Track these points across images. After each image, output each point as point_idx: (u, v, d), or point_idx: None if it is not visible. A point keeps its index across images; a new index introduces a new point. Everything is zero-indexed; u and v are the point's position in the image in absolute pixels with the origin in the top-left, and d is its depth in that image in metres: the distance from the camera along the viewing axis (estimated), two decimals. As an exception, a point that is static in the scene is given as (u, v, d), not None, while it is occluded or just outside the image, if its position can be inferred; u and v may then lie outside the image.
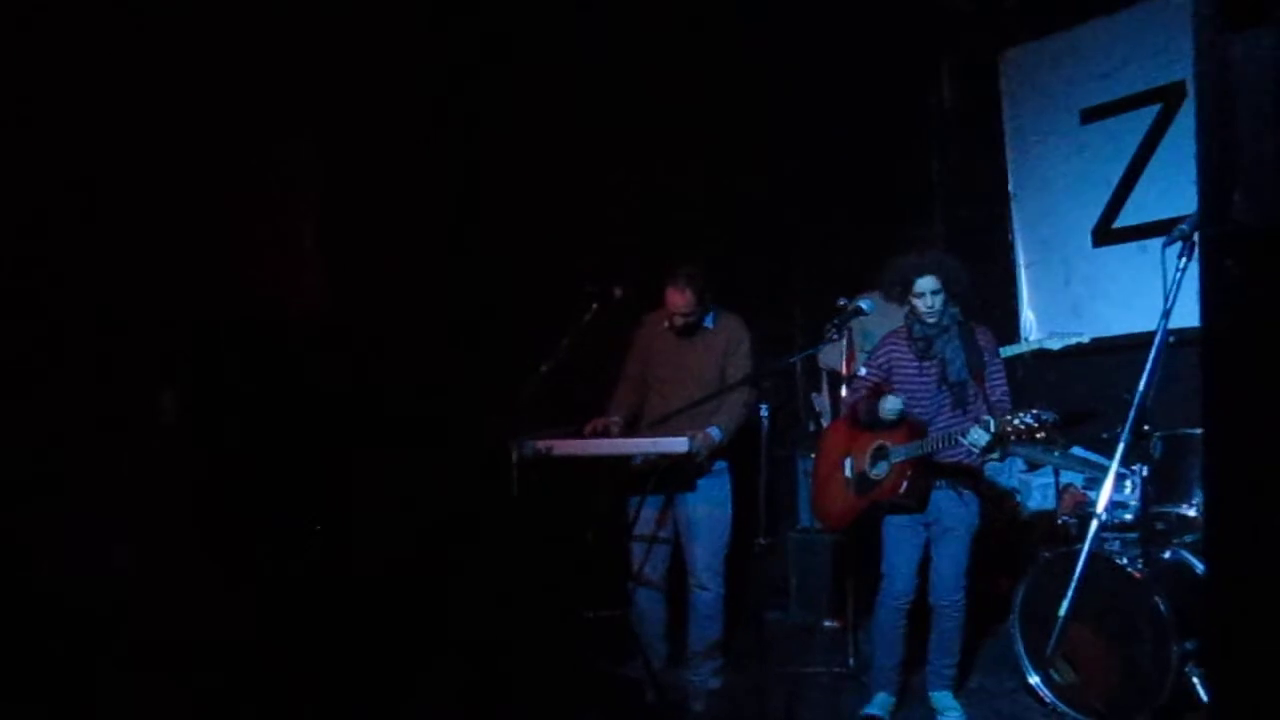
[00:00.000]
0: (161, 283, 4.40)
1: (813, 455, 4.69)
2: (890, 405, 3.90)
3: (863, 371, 4.17)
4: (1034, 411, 3.50)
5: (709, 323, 4.46)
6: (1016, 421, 3.52)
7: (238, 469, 4.38)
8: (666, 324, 4.46)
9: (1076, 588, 2.91)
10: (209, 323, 4.55)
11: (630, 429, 4.46)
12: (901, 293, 3.94)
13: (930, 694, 4.11)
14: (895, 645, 4.05)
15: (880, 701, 4.08)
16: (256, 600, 4.16)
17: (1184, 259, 2.82)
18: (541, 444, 4.10)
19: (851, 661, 4.66)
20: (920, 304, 3.89)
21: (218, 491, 4.31)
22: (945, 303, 3.88)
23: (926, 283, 3.85)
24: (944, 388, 3.93)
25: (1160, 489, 4.12)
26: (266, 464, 4.46)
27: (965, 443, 3.71)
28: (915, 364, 3.98)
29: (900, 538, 4.00)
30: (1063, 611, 2.94)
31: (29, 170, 4.00)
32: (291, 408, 4.65)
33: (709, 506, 4.37)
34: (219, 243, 4.67)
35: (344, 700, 3.93)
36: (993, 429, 3.60)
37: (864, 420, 4.03)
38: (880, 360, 4.08)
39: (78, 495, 3.90)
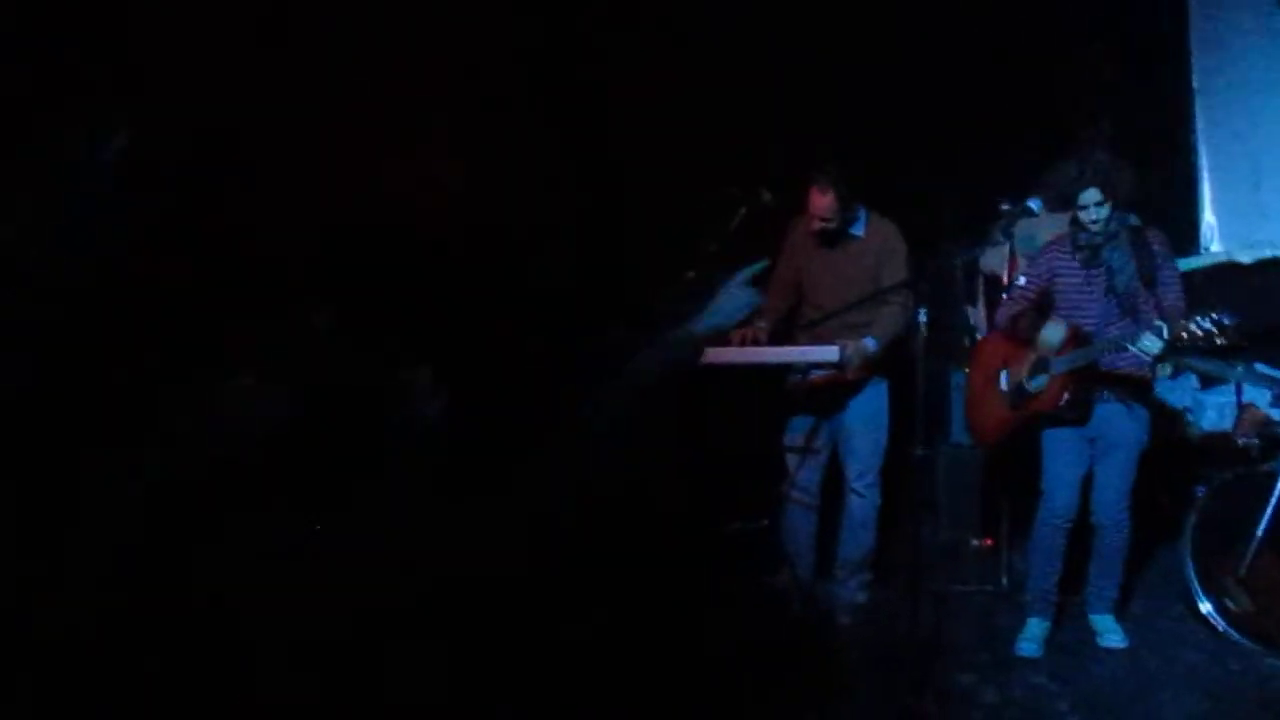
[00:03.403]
0: (296, 196, 4.47)
1: (966, 370, 4.50)
2: (1051, 335, 3.68)
3: (1022, 281, 3.96)
4: (1212, 315, 3.24)
5: (859, 230, 4.21)
6: (1193, 326, 3.26)
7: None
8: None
9: (1275, 510, 2.71)
10: (345, 233, 4.60)
11: (782, 334, 4.33)
12: (1063, 205, 3.73)
13: (1090, 616, 3.97)
14: (1053, 565, 3.89)
15: (1033, 630, 3.92)
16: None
17: None
18: (689, 353, 4.03)
19: (1005, 581, 4.51)
20: (1084, 215, 3.67)
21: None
22: (1111, 211, 3.64)
23: (1089, 195, 3.63)
24: (1111, 297, 3.70)
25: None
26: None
27: (1135, 350, 3.46)
28: (1080, 273, 3.76)
29: (1061, 452, 3.82)
30: (1259, 533, 2.75)
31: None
32: (428, 316, 4.70)
33: (865, 417, 4.23)
34: (349, 153, 4.71)
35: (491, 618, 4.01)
36: (1166, 334, 3.36)
37: (1025, 336, 3.83)
38: (1041, 269, 3.87)
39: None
